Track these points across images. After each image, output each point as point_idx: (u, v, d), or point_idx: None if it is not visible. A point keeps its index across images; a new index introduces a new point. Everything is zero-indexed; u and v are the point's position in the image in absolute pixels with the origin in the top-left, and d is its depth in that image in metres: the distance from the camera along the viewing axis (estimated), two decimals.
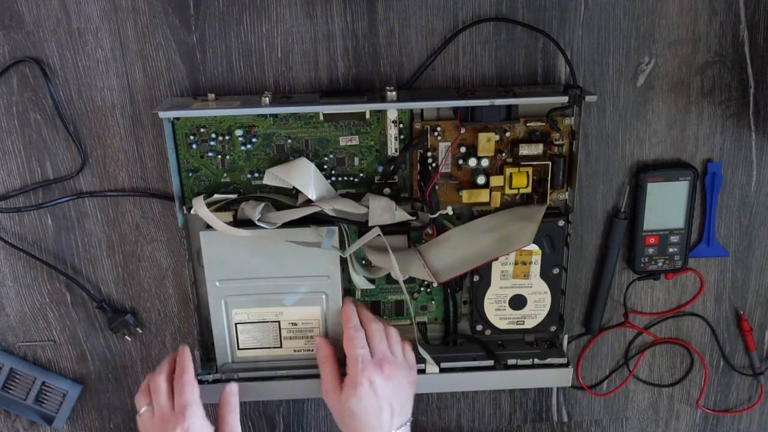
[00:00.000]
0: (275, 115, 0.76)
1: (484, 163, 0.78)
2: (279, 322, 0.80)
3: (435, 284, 0.80)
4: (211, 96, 0.75)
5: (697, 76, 0.80)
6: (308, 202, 0.75)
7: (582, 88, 0.75)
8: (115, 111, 0.79)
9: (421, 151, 0.77)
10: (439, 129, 0.77)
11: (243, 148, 0.77)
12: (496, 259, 0.78)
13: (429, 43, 0.78)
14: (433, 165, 0.78)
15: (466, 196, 0.78)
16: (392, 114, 0.74)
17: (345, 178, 0.79)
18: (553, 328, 0.84)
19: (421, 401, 0.93)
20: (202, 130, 0.76)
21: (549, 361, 0.83)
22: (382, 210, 0.75)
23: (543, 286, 0.81)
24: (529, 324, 0.83)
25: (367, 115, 0.76)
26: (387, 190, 0.78)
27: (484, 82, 0.80)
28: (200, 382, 0.78)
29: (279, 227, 0.75)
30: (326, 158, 0.78)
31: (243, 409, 0.79)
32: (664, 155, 0.83)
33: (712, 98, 0.81)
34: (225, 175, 0.78)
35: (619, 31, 0.79)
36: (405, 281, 0.78)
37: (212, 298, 0.78)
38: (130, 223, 0.83)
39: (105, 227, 0.83)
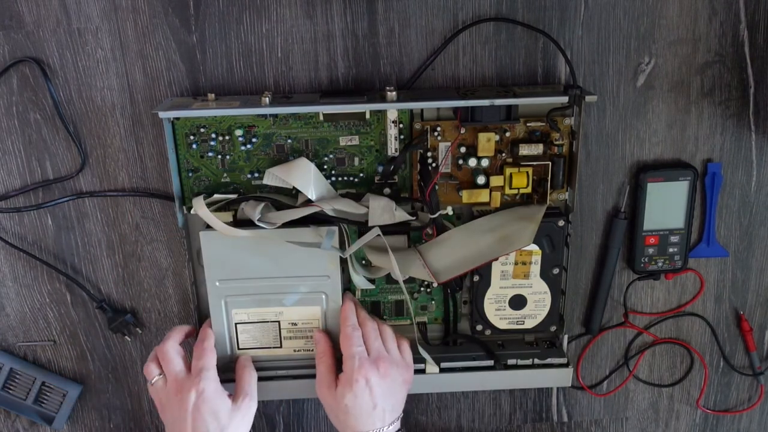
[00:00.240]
0: (275, 115, 0.76)
1: (484, 163, 0.78)
2: (279, 322, 0.80)
3: (435, 284, 0.80)
4: (211, 96, 0.75)
5: (697, 76, 0.81)
6: (308, 202, 0.75)
7: (582, 88, 0.75)
8: (115, 111, 0.79)
9: (421, 151, 0.77)
10: (439, 129, 0.77)
11: (243, 148, 0.77)
12: (496, 259, 0.78)
13: (429, 43, 0.78)
14: (433, 165, 0.78)
15: (466, 196, 0.78)
16: (392, 114, 0.74)
17: (345, 178, 0.79)
18: (553, 328, 0.84)
19: (421, 401, 0.93)
20: (202, 130, 0.76)
21: (549, 361, 0.83)
22: (382, 210, 0.75)
23: (543, 286, 0.81)
24: (529, 324, 0.83)
25: (367, 115, 0.76)
26: (387, 190, 0.78)
27: (484, 82, 0.80)
28: None
29: (279, 227, 0.75)
30: (326, 158, 0.78)
31: None
32: (664, 155, 0.83)
33: (712, 98, 0.81)
34: (225, 175, 0.78)
35: (619, 31, 0.79)
36: (405, 281, 0.78)
37: (212, 298, 0.78)
38: (130, 223, 0.83)
39: (105, 227, 0.83)
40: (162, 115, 0.72)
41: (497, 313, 0.83)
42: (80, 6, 0.75)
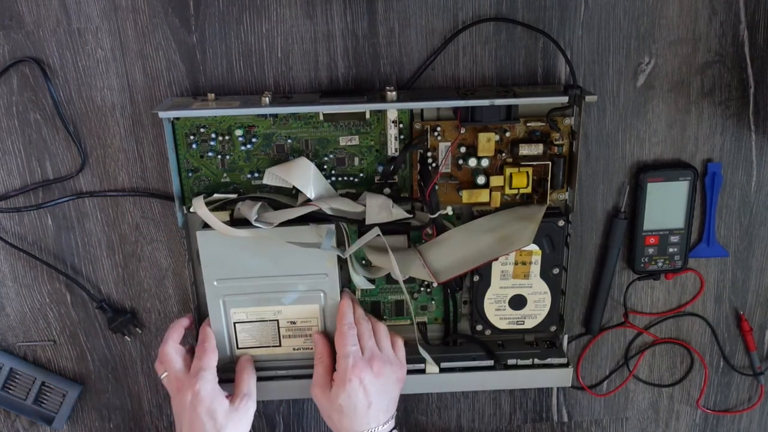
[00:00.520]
0: (275, 115, 0.76)
1: (484, 163, 0.78)
2: (277, 320, 0.80)
3: (435, 284, 0.80)
4: (211, 96, 0.75)
5: (697, 76, 0.80)
6: (306, 202, 0.75)
7: (582, 88, 0.75)
8: (115, 111, 0.79)
9: (421, 151, 0.77)
10: (439, 129, 0.77)
11: (243, 148, 0.77)
12: (496, 259, 0.78)
13: (429, 43, 0.78)
14: (433, 165, 0.78)
15: (466, 196, 0.78)
16: (392, 114, 0.74)
17: (345, 178, 0.79)
18: (553, 328, 0.84)
19: (421, 401, 0.93)
20: (202, 130, 0.76)
21: (549, 361, 0.83)
22: (379, 208, 0.75)
23: (543, 286, 0.81)
24: (529, 324, 0.83)
25: (367, 115, 0.76)
26: (387, 190, 0.78)
27: (484, 82, 0.80)
28: None
29: (277, 226, 0.75)
30: (326, 158, 0.78)
31: None
32: (664, 155, 0.83)
33: (712, 98, 0.81)
34: (225, 175, 0.78)
35: (619, 31, 0.79)
36: (405, 281, 0.78)
37: (210, 297, 0.78)
38: (130, 223, 0.83)
39: (105, 227, 0.83)
40: (162, 115, 0.72)
41: (497, 313, 0.83)
42: (80, 6, 0.75)
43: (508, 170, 0.77)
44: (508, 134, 0.78)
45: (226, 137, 0.77)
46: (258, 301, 0.79)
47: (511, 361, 0.83)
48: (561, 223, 0.78)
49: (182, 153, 0.77)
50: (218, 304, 0.79)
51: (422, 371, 0.82)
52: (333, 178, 0.78)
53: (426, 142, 0.77)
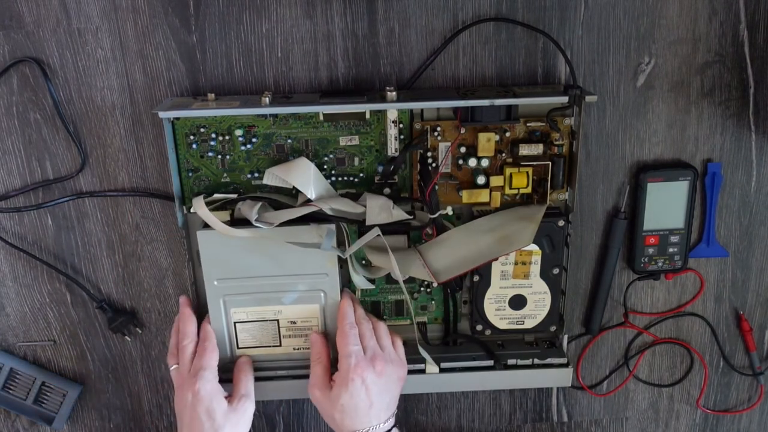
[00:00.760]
0: (275, 115, 0.76)
1: (484, 163, 0.78)
2: (278, 320, 0.80)
3: (435, 284, 0.80)
4: (211, 96, 0.75)
5: (697, 76, 0.80)
6: (306, 202, 0.75)
7: (582, 88, 0.75)
8: (115, 111, 0.79)
9: (421, 151, 0.77)
10: (439, 129, 0.77)
11: (243, 148, 0.77)
12: (496, 259, 0.78)
13: (429, 43, 0.78)
14: (433, 165, 0.78)
15: (466, 196, 0.78)
16: (392, 114, 0.74)
17: (345, 178, 0.79)
18: (553, 328, 0.84)
19: (421, 401, 0.93)
20: (202, 130, 0.76)
21: (549, 361, 0.83)
22: (379, 209, 0.75)
23: (543, 286, 0.81)
24: (529, 324, 0.83)
25: (367, 115, 0.76)
26: (387, 190, 0.78)
27: (484, 82, 0.80)
28: None
29: (277, 226, 0.75)
30: (326, 158, 0.78)
31: None
32: (664, 155, 0.83)
33: (712, 98, 0.81)
34: (225, 175, 0.78)
35: (619, 31, 0.79)
36: (405, 281, 0.78)
37: (210, 297, 0.78)
38: (130, 223, 0.83)
39: (105, 227, 0.83)
40: (162, 115, 0.72)
41: (497, 313, 0.83)
42: (80, 6, 0.75)
43: (508, 170, 0.77)
44: (508, 134, 0.78)
45: (226, 137, 0.77)
46: (258, 300, 0.79)
47: (511, 361, 0.83)
48: (561, 223, 0.78)
49: (182, 153, 0.77)
50: (218, 304, 0.79)
51: (422, 371, 0.82)
52: (333, 178, 0.78)
53: (426, 142, 0.77)
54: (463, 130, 0.77)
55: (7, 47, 0.76)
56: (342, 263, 0.79)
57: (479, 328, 0.84)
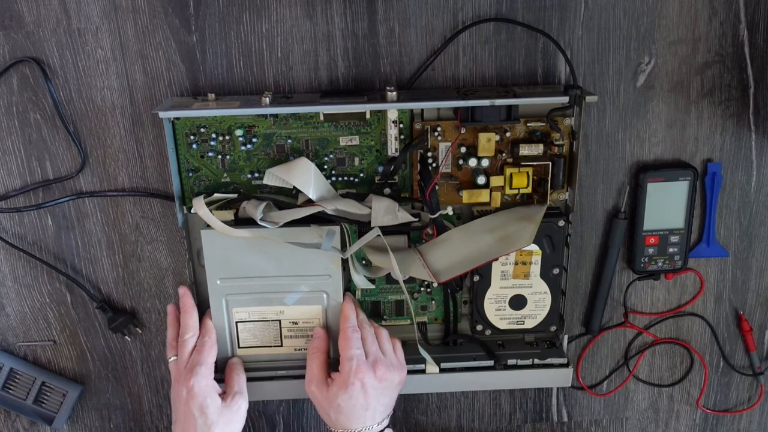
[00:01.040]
0: (275, 115, 0.76)
1: (485, 163, 0.78)
2: (280, 321, 0.80)
3: (435, 284, 0.80)
4: (211, 96, 0.75)
5: (697, 76, 0.81)
6: (310, 202, 0.75)
7: (582, 88, 0.75)
8: (115, 111, 0.79)
9: (422, 151, 0.77)
10: (439, 129, 0.77)
11: (243, 148, 0.77)
12: (496, 259, 0.78)
13: (429, 43, 0.78)
14: (434, 165, 0.78)
15: (467, 196, 0.78)
16: (392, 114, 0.74)
17: (345, 178, 0.79)
18: (553, 328, 0.84)
19: (421, 401, 0.93)
20: (202, 130, 0.76)
21: (549, 361, 0.83)
22: (385, 211, 0.75)
23: (543, 286, 0.81)
24: (529, 324, 0.84)
25: (368, 115, 0.76)
26: (387, 190, 0.78)
27: (484, 82, 0.80)
28: None
29: (280, 227, 0.75)
30: (326, 158, 0.78)
31: None
32: (664, 155, 0.83)
33: (712, 98, 0.81)
34: (225, 175, 0.78)
35: (619, 31, 0.79)
36: (405, 281, 0.78)
37: (213, 296, 0.78)
38: (130, 223, 0.83)
39: (105, 227, 0.83)
40: (162, 114, 0.72)
41: (497, 313, 0.83)
42: (80, 6, 0.75)
43: (508, 170, 0.77)
44: (508, 134, 0.78)
45: (227, 137, 0.77)
46: (260, 301, 0.79)
47: (511, 361, 0.83)
48: (561, 223, 0.78)
49: (182, 153, 0.77)
50: (221, 303, 0.79)
51: (422, 371, 0.82)
52: (333, 178, 0.78)
53: (426, 142, 0.77)
54: (463, 130, 0.77)
55: (7, 47, 0.76)
56: (344, 265, 0.79)
57: (479, 328, 0.84)
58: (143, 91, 0.78)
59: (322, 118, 0.76)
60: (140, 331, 0.87)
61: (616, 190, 0.84)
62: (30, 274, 0.85)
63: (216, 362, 0.78)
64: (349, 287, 0.83)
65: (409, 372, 0.80)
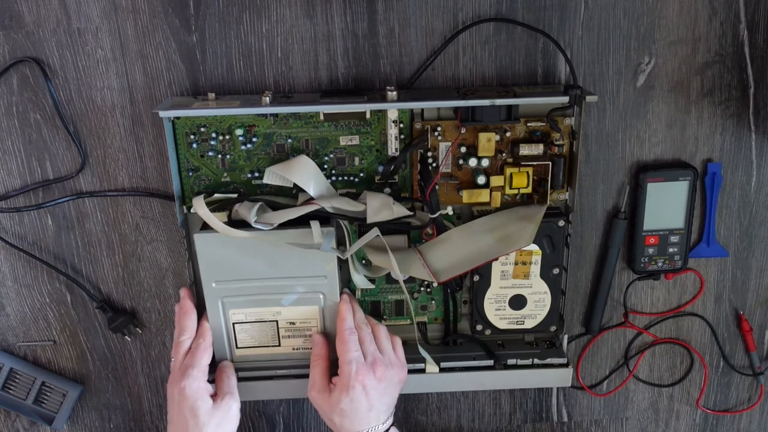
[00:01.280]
0: (275, 115, 0.76)
1: (485, 163, 0.78)
2: (277, 321, 0.80)
3: (435, 284, 0.80)
4: (212, 95, 0.75)
5: (697, 76, 0.81)
6: (306, 201, 0.75)
7: (582, 88, 0.75)
8: (115, 111, 0.79)
9: (422, 151, 0.77)
10: (439, 129, 0.77)
11: (243, 147, 0.77)
12: (496, 259, 0.78)
13: (429, 43, 0.78)
14: (434, 165, 0.78)
15: (467, 196, 0.78)
16: (392, 114, 0.74)
17: (345, 177, 0.79)
18: (553, 328, 0.84)
19: (421, 401, 0.93)
20: (202, 129, 0.76)
21: (549, 361, 0.83)
22: (379, 206, 0.75)
23: (543, 286, 0.81)
24: (529, 324, 0.84)
25: (368, 115, 0.76)
26: (387, 190, 0.78)
27: (484, 82, 0.80)
28: None
29: (277, 227, 0.74)
30: (326, 158, 0.78)
31: (243, 409, 0.79)
32: (664, 155, 0.83)
33: (712, 98, 0.81)
34: (225, 174, 0.78)
35: (619, 31, 0.79)
36: (405, 281, 0.78)
37: (208, 299, 0.78)
38: (130, 223, 0.83)
39: (105, 227, 0.83)
40: (162, 114, 0.72)
41: (497, 313, 0.83)
42: (80, 6, 0.75)
43: (508, 170, 0.77)
44: (508, 134, 0.78)
45: (227, 137, 0.77)
46: (257, 302, 0.79)
47: (511, 361, 0.83)
48: (561, 223, 0.78)
49: (182, 152, 0.77)
50: (217, 305, 0.79)
51: (422, 371, 0.82)
52: (333, 178, 0.78)
53: (426, 142, 0.77)
54: (463, 130, 0.77)
55: (7, 47, 0.76)
56: (342, 264, 0.79)
57: (479, 328, 0.84)
58: (143, 91, 0.78)
59: (322, 117, 0.76)
60: (140, 331, 0.87)
61: (616, 190, 0.84)
62: (30, 274, 0.85)
63: (212, 364, 0.78)
64: (348, 286, 0.83)
65: (409, 372, 0.80)
